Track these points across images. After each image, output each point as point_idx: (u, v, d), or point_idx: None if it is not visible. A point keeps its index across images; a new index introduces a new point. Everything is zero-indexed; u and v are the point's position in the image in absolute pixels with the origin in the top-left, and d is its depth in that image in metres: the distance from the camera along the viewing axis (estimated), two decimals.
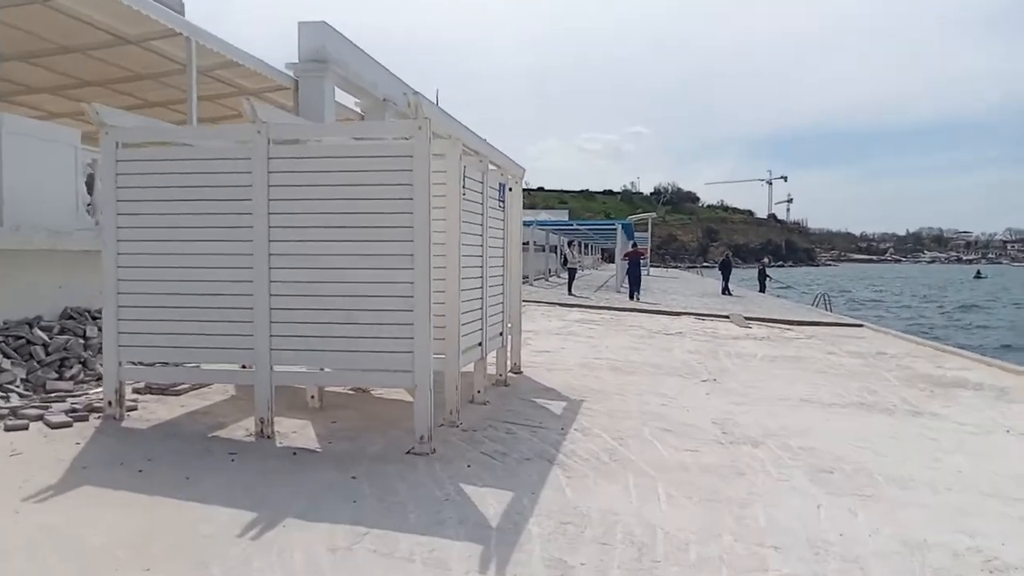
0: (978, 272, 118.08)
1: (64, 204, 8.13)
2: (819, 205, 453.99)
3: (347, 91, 14.78)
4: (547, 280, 32.51)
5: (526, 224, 33.49)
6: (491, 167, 7.08)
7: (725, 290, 29.18)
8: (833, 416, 7.15)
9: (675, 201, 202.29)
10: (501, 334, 7.43)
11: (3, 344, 6.73)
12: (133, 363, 5.75)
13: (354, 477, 4.46)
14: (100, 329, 6.00)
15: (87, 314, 8.02)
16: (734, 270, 30.32)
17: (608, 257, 73.49)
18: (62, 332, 7.41)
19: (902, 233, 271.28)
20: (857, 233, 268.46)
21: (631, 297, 23.63)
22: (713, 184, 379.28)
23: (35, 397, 6.16)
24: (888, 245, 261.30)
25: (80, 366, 7.01)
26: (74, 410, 5.70)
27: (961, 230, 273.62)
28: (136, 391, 6.53)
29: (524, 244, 36.58)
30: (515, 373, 8.33)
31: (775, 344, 13.21)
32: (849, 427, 6.70)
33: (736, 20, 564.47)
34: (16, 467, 4.60)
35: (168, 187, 5.31)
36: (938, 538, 4.02)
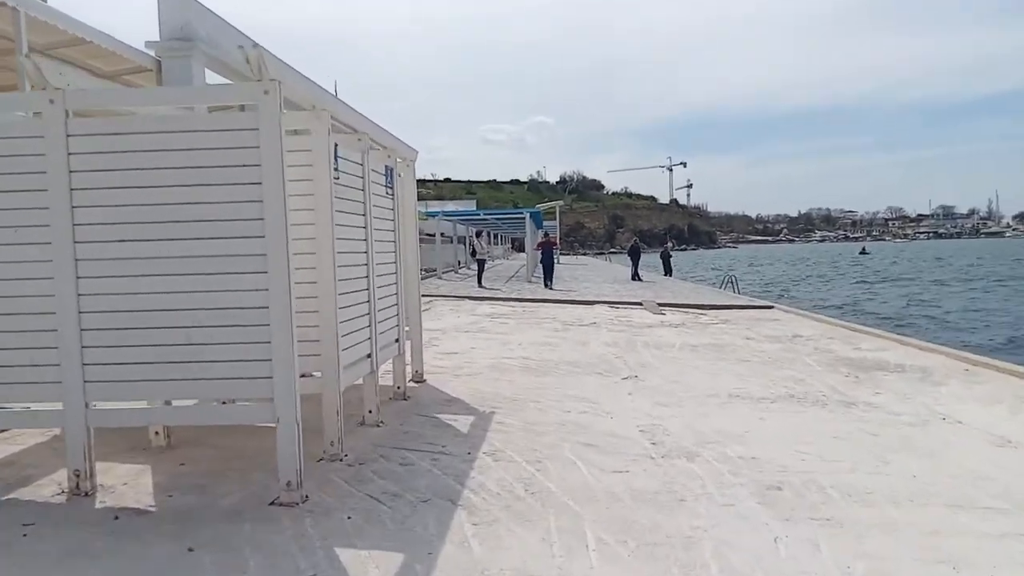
0: (863, 249, 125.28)
1: None
2: (717, 189, 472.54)
3: (220, 73, 13.24)
4: (456, 272, 31.50)
5: (431, 215, 32.37)
6: (374, 147, 6.04)
7: (635, 276, 29.04)
8: (767, 414, 6.53)
9: (581, 189, 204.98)
10: (397, 340, 6.42)
11: None
12: None
13: (191, 549, 3.36)
14: None
15: None
16: (642, 255, 30.22)
17: (518, 246, 73.21)
18: None
19: (794, 214, 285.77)
20: (753, 215, 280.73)
21: (545, 285, 23.95)
22: (616, 172, 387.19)
23: None
24: (782, 226, 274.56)
25: None
26: None
27: (847, 209, 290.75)
28: None
29: (430, 236, 35.49)
30: (417, 382, 7.34)
31: (692, 331, 12.74)
32: (786, 427, 6.08)
33: (635, 11, 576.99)
34: None
35: None
36: (918, 574, 3.34)
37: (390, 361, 6.52)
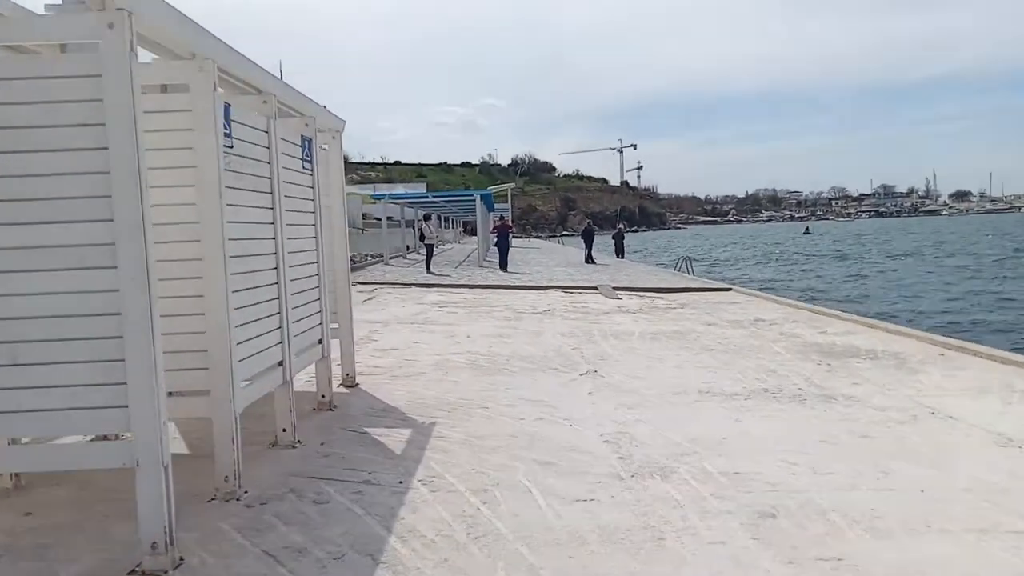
0: (807, 229, 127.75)
1: None
2: (667, 171, 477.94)
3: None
4: (405, 258, 30.39)
5: (377, 198, 31.14)
6: (286, 113, 5.07)
7: (589, 258, 28.42)
8: (743, 414, 5.82)
9: (532, 172, 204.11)
10: (320, 341, 5.49)
11: None
12: None
13: None
14: None
15: None
16: (596, 238, 29.61)
17: (470, 230, 71.82)
18: None
19: (742, 195, 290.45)
20: (702, 196, 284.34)
21: (501, 268, 24.24)
22: (567, 154, 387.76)
23: None
24: (730, 207, 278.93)
25: None
26: None
27: (792, 190, 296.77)
28: None
29: (376, 220, 34.25)
30: (348, 387, 6.42)
31: (651, 317, 12.06)
32: (767, 430, 5.38)
33: None
34: None
35: None
36: None
37: (313, 367, 5.59)
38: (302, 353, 5.10)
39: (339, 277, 6.31)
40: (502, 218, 29.20)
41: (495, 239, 26.25)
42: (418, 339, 9.35)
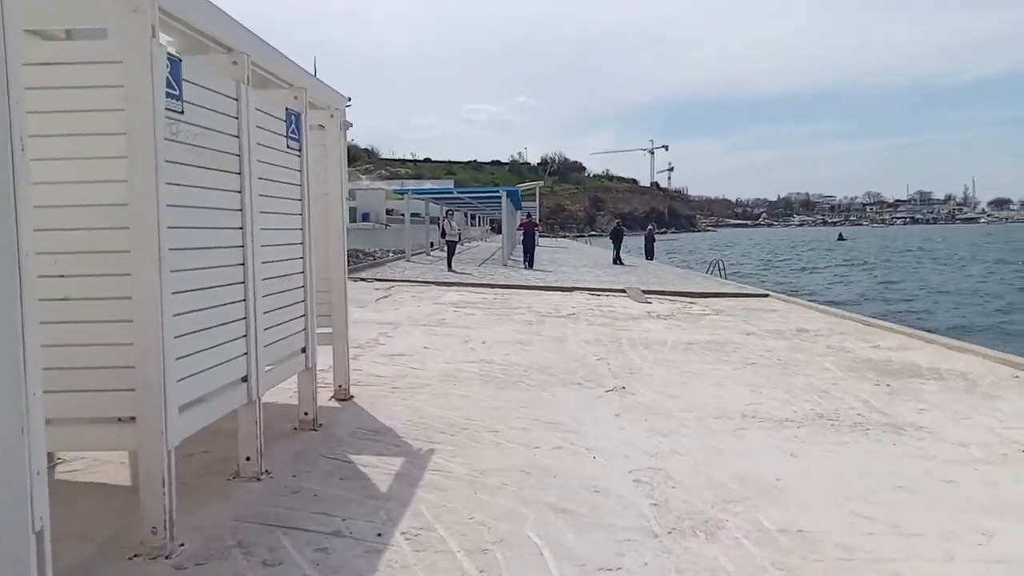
0: (840, 235, 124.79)
1: None
2: (698, 173, 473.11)
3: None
4: (428, 255, 29.68)
5: (400, 193, 30.42)
6: (265, 79, 4.29)
7: (617, 259, 27.48)
8: (798, 446, 4.93)
9: (562, 171, 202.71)
10: (304, 350, 4.71)
11: None
12: None
13: None
14: None
15: None
16: (624, 238, 28.61)
17: (497, 228, 70.90)
18: None
19: (773, 199, 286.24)
20: (733, 199, 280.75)
21: (525, 266, 23.93)
22: (597, 154, 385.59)
23: None
24: (762, 210, 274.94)
25: None
26: None
27: (826, 194, 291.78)
28: None
29: (400, 216, 33.58)
30: (340, 400, 5.64)
31: (683, 324, 11.15)
32: (828, 469, 4.50)
33: None
34: None
35: None
36: None
37: (295, 379, 4.82)
38: (278, 365, 4.34)
39: (335, 276, 5.54)
40: (529, 216, 29.01)
41: (521, 237, 25.98)
42: (429, 344, 8.56)
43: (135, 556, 2.90)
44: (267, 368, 4.09)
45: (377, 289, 15.32)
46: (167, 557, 2.88)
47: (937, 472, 4.51)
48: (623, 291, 16.20)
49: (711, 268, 26.65)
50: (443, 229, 21.84)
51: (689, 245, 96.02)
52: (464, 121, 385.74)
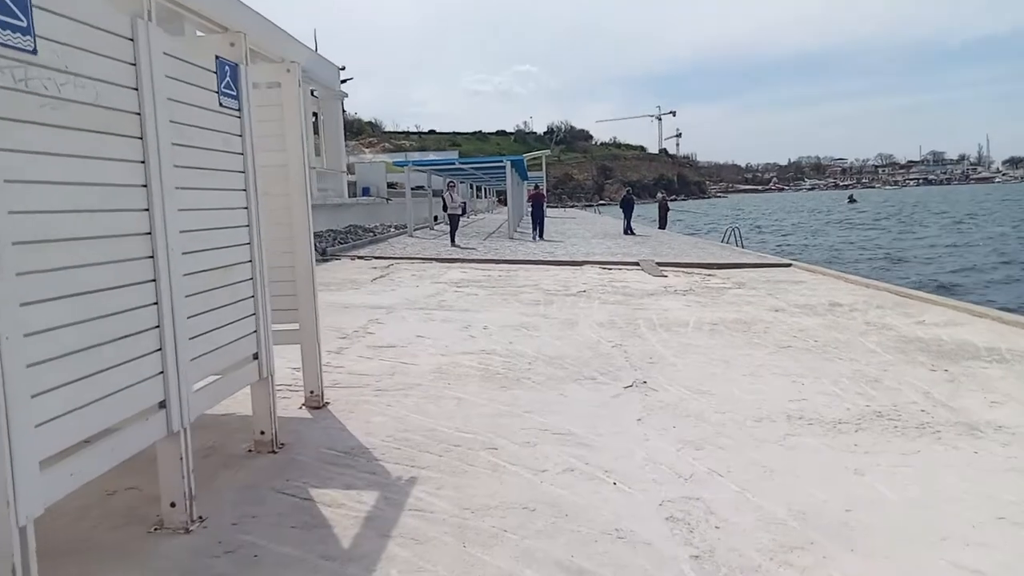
0: (851, 196, 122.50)
1: None
2: (706, 139, 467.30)
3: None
4: (432, 229, 28.74)
5: (400, 164, 29.30)
6: (180, 15, 3.36)
7: (628, 229, 26.48)
8: (862, 460, 4.05)
9: (568, 140, 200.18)
10: (256, 356, 3.84)
11: None
12: None
13: None
14: None
15: None
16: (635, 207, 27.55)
17: (505, 200, 69.38)
18: None
19: (784, 163, 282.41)
20: (743, 164, 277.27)
21: (539, 237, 23.58)
22: (604, 122, 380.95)
23: None
24: (772, 175, 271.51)
25: None
26: None
27: (837, 157, 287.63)
28: None
29: (400, 189, 32.63)
30: (314, 408, 4.78)
31: (704, 300, 10.24)
32: (908, 491, 3.61)
33: None
34: None
35: None
36: None
37: (248, 390, 3.95)
38: (220, 378, 3.47)
39: (300, 262, 4.65)
40: (536, 187, 28.33)
41: (530, 208, 25.55)
42: (424, 331, 7.69)
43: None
44: (199, 386, 3.22)
45: (375, 268, 14.44)
46: None
47: None
48: (637, 264, 15.26)
49: (727, 236, 25.60)
50: (445, 202, 20.87)
51: (700, 211, 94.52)
52: (467, 92, 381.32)
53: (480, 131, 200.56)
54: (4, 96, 2.10)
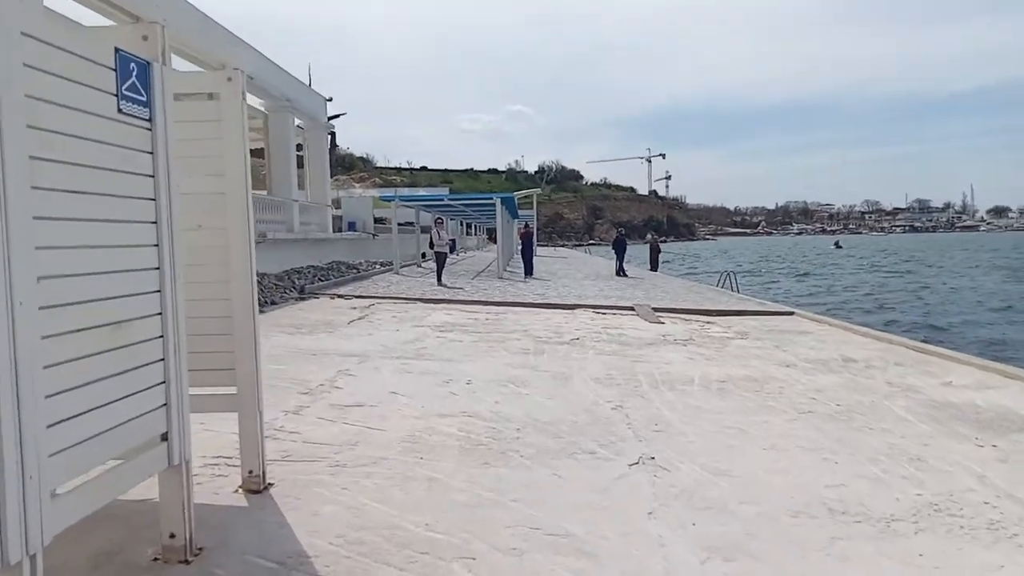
0: (836, 243, 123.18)
1: None
2: (696, 182, 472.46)
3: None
4: (419, 267, 27.90)
5: (387, 199, 28.60)
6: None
7: (620, 271, 25.77)
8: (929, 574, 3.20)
9: (559, 179, 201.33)
10: (165, 437, 2.96)
11: None
12: None
13: None
14: None
15: None
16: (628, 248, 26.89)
17: (495, 237, 68.79)
18: None
19: (772, 207, 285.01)
20: (731, 208, 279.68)
21: (527, 273, 24.09)
22: (595, 163, 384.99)
23: None
24: (760, 219, 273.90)
25: None
26: None
27: (824, 203, 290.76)
28: None
29: (383, 222, 31.92)
30: (253, 492, 3.88)
31: (707, 353, 9.42)
32: None
33: (612, 3, 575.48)
34: None
35: None
36: None
37: (154, 484, 3.06)
38: (108, 472, 2.59)
39: (239, 311, 3.80)
40: (526, 225, 28.90)
41: (519, 247, 26.16)
42: (399, 386, 6.80)
43: None
44: (67, 489, 2.35)
45: (354, 308, 13.56)
46: None
47: None
48: (631, 309, 14.47)
49: (722, 281, 24.93)
50: (432, 239, 20.10)
51: (689, 253, 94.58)
52: (460, 131, 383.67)
53: (472, 169, 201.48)
54: None
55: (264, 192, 22.25)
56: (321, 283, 17.71)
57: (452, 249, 37.86)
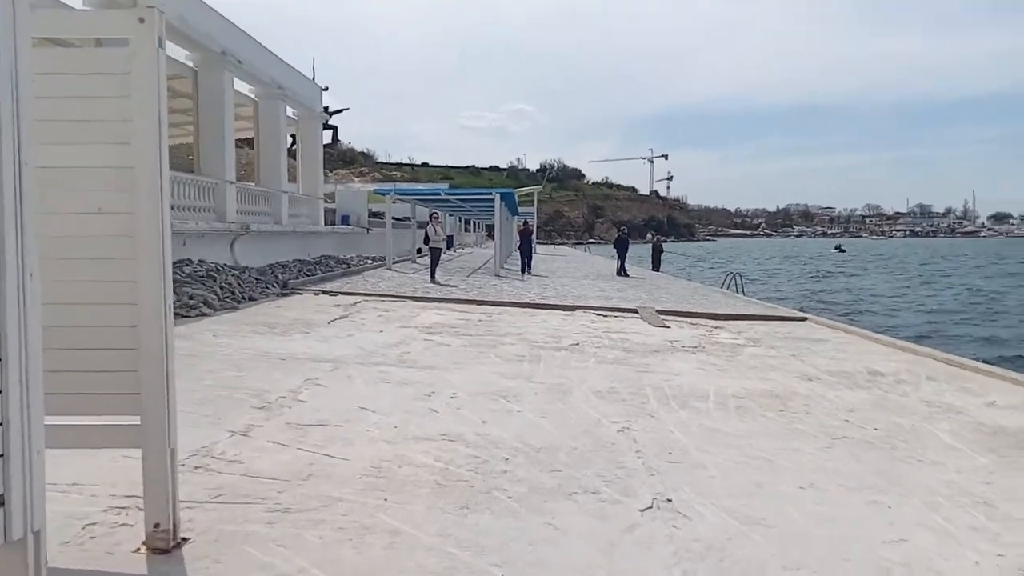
0: (839, 246, 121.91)
1: None
2: (697, 183, 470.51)
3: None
4: (414, 263, 26.99)
5: (382, 193, 27.63)
6: None
7: (621, 271, 24.93)
8: None
9: (561, 178, 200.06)
10: (1, 502, 2.11)
11: None
12: None
13: None
14: None
15: None
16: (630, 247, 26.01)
17: (494, 234, 67.74)
18: None
19: (772, 209, 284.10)
20: (732, 209, 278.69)
21: (524, 271, 23.64)
22: (597, 162, 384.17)
23: None
24: (760, 220, 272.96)
25: None
26: None
27: (825, 206, 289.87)
28: None
29: (379, 216, 31.12)
30: (159, 552, 3.01)
31: (719, 363, 8.56)
32: None
33: (618, 7, 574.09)
34: None
35: None
36: None
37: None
38: None
39: (146, 319, 2.93)
40: (525, 223, 28.19)
41: (518, 243, 26.00)
42: (372, 400, 5.94)
43: None
44: None
45: (337, 306, 12.68)
46: None
47: None
48: (635, 311, 13.61)
49: (727, 282, 24.07)
50: (427, 234, 19.23)
51: (689, 253, 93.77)
52: (462, 128, 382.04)
53: (473, 166, 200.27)
54: None
55: (252, 184, 21.35)
56: (307, 278, 16.82)
57: (449, 245, 36.98)
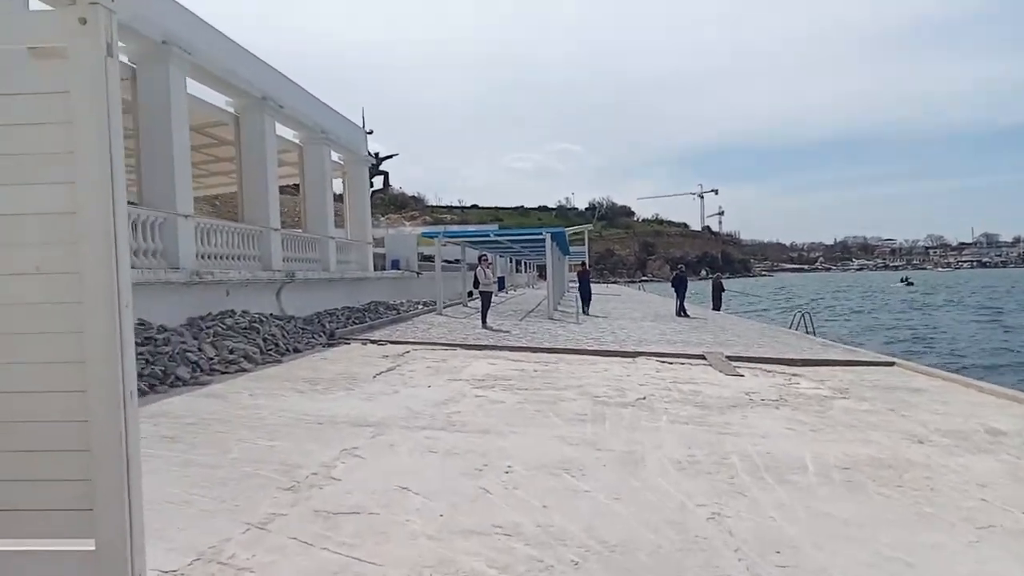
0: (905, 278, 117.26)
1: None
2: (750, 217, 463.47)
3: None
4: (465, 307, 26.37)
5: (430, 235, 27.22)
6: None
7: (681, 310, 23.80)
8: None
9: (610, 216, 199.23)
10: None
11: None
12: None
13: None
14: None
15: None
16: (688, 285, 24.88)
17: (545, 274, 66.97)
18: None
19: (830, 242, 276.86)
20: (787, 243, 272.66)
21: (585, 312, 23.46)
22: (646, 199, 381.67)
23: None
24: (818, 254, 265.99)
25: None
26: None
27: (885, 238, 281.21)
28: None
29: (428, 259, 30.67)
30: None
31: (809, 420, 7.51)
32: None
33: (663, 37, 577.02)
34: None
35: None
36: None
37: None
38: None
39: (98, 407, 2.21)
40: (583, 264, 28.67)
41: (576, 284, 26.07)
42: (415, 477, 5.13)
43: None
44: None
45: (385, 357, 12.01)
46: None
47: None
48: (702, 357, 12.57)
49: (796, 322, 22.70)
50: (476, 277, 18.56)
51: (749, 291, 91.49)
52: (508, 170, 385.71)
53: (522, 206, 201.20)
54: None
55: (299, 230, 21.13)
56: (355, 325, 16.28)
57: (501, 287, 36.36)
